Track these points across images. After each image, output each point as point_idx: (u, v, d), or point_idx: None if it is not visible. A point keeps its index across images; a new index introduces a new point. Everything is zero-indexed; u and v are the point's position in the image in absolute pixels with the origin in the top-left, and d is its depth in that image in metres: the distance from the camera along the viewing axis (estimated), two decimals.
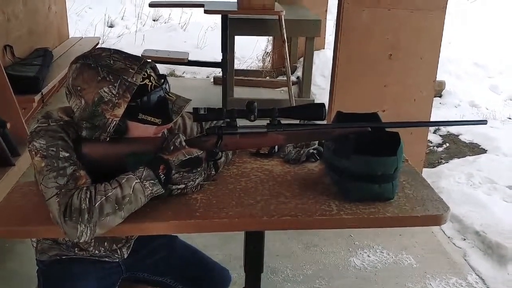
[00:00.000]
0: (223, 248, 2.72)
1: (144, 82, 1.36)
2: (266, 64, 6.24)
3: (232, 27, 4.57)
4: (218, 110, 1.44)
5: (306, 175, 1.63)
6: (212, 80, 5.85)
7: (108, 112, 1.33)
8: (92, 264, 1.60)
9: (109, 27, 7.97)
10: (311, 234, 2.95)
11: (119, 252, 1.63)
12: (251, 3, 4.28)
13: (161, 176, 1.35)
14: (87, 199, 1.27)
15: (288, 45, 4.64)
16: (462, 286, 2.62)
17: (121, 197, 1.30)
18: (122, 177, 1.33)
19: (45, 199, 1.31)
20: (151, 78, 1.39)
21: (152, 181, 1.34)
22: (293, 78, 5.36)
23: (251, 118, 1.44)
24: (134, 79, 1.33)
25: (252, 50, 6.43)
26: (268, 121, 1.47)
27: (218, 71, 5.60)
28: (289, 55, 4.71)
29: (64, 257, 1.58)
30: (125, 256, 1.66)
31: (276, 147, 1.69)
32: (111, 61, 1.35)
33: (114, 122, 1.34)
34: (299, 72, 5.59)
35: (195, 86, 5.70)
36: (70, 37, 5.98)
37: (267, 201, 1.46)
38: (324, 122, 1.53)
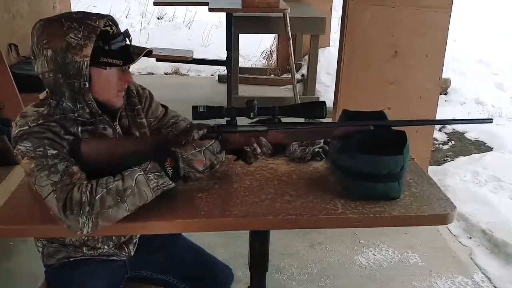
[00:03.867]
0: (228, 246, 2.71)
1: (106, 29, 1.36)
2: (270, 62, 6.23)
3: (236, 25, 4.57)
4: (217, 108, 1.44)
5: (311, 173, 1.62)
6: (216, 78, 5.85)
7: (78, 55, 1.32)
8: (100, 264, 1.60)
9: None
10: (316, 233, 2.95)
11: (126, 249, 1.63)
12: (256, 1, 4.26)
13: (168, 169, 1.33)
14: (87, 192, 1.27)
15: (292, 43, 4.63)
16: (468, 285, 2.60)
17: (122, 189, 1.29)
18: (126, 170, 1.33)
19: (42, 198, 1.31)
20: (112, 26, 1.39)
21: (157, 173, 1.32)
22: (297, 76, 5.35)
23: (250, 116, 1.43)
24: (97, 23, 1.34)
25: (256, 48, 6.42)
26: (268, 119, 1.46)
27: (222, 69, 5.60)
28: (293, 53, 4.69)
29: (72, 259, 1.58)
30: (132, 253, 1.66)
31: None
32: (73, 15, 1.37)
33: (86, 63, 1.33)
34: (304, 70, 5.58)
35: (199, 84, 5.70)
36: None
37: (272, 200, 1.45)
38: (329, 120, 1.52)
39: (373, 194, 1.44)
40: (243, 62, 6.03)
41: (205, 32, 7.15)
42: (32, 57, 1.38)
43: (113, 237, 1.58)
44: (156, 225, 1.38)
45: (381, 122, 1.51)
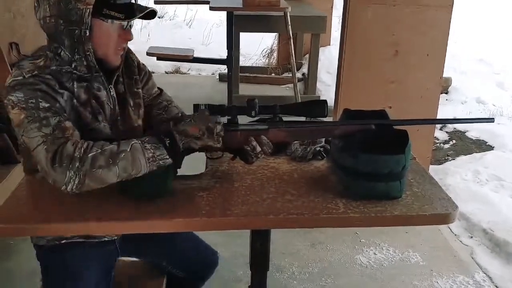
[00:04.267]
0: (229, 245, 2.71)
1: None
2: (271, 60, 6.22)
3: (237, 24, 4.56)
4: (218, 107, 1.43)
5: (312, 173, 1.62)
6: (217, 77, 5.85)
7: (81, 2, 1.32)
8: (92, 248, 1.57)
9: None
10: (317, 232, 2.94)
11: None
12: (257, 0, 4.26)
13: (166, 140, 1.33)
14: (82, 149, 1.26)
15: (293, 42, 4.62)
16: (469, 284, 2.60)
17: (116, 152, 1.28)
18: (121, 141, 1.33)
19: (30, 150, 1.29)
20: None
21: (154, 144, 1.31)
22: (298, 74, 5.35)
23: (251, 115, 1.43)
24: None
25: (257, 47, 6.41)
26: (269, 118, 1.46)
27: (223, 68, 5.60)
28: (294, 52, 4.69)
29: (63, 241, 1.55)
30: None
31: None
32: None
33: (88, 10, 1.33)
34: (304, 69, 5.58)
35: (200, 83, 5.69)
36: None
37: (273, 199, 1.45)
38: (330, 119, 1.52)
39: (375, 194, 1.44)
40: (244, 61, 6.02)
41: (206, 31, 7.14)
42: (36, 4, 1.38)
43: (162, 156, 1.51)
44: (157, 224, 1.37)
45: (382, 121, 1.51)
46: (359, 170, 1.42)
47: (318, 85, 5.28)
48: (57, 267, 1.56)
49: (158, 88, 1.72)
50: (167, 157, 1.33)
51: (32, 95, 1.31)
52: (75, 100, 1.43)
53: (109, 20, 1.38)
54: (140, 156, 1.30)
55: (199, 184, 1.51)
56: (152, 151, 1.31)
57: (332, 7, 5.89)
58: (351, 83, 3.07)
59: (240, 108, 1.43)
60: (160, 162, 1.32)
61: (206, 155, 1.52)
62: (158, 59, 4.86)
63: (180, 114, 1.68)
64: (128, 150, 1.29)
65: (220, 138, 1.39)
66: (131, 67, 1.61)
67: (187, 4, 6.27)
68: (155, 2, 4.89)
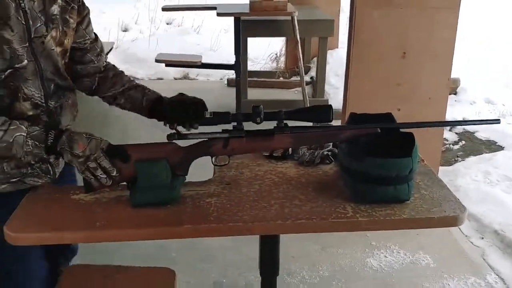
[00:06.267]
0: (238, 249, 2.72)
1: None
2: (279, 64, 6.23)
3: (244, 29, 4.57)
4: (224, 114, 1.44)
5: (320, 177, 1.62)
6: (225, 82, 5.86)
7: None
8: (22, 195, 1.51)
9: (123, 31, 8.02)
10: (327, 235, 2.93)
11: (50, 168, 1.57)
12: (263, 5, 4.27)
13: (50, 139, 1.38)
14: None
15: (301, 45, 4.63)
16: (481, 286, 2.59)
17: None
18: (14, 123, 1.37)
19: None
20: None
21: (37, 142, 1.38)
22: (306, 78, 5.34)
23: (257, 121, 1.43)
24: None
25: (265, 51, 6.43)
26: (275, 124, 1.46)
27: (231, 73, 5.61)
28: (302, 55, 4.70)
29: None
30: (56, 175, 1.61)
31: (290, 149, 1.69)
32: None
33: None
34: (312, 72, 5.58)
35: (208, 89, 5.71)
36: None
37: (281, 205, 1.45)
38: (338, 122, 1.52)
39: (383, 197, 1.44)
40: (251, 65, 6.03)
41: (214, 37, 7.17)
42: None
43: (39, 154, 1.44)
44: (166, 231, 1.39)
45: (388, 124, 1.51)
46: (367, 174, 1.43)
47: (327, 88, 5.27)
48: None
49: (94, 33, 1.69)
50: (44, 155, 1.40)
51: None
52: None
53: None
54: (18, 148, 1.37)
55: (207, 190, 1.52)
56: (31, 147, 1.38)
57: (339, 10, 5.89)
58: (359, 86, 3.07)
59: (246, 115, 1.44)
60: (34, 155, 1.40)
61: (212, 162, 1.53)
62: (167, 65, 4.89)
63: (160, 96, 1.68)
64: (11, 140, 1.35)
65: (87, 171, 1.39)
66: None
67: (195, 10, 6.27)
68: (163, 9, 4.92)
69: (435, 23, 2.95)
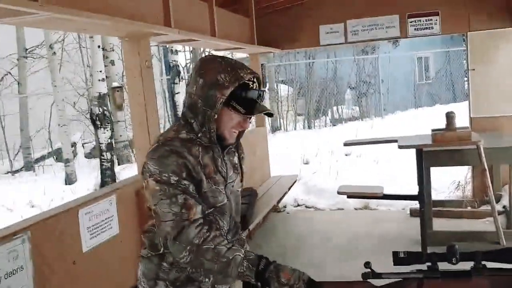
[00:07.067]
0: None
1: (248, 82, 1.67)
2: (465, 193, 5.95)
3: (427, 159, 4.54)
4: (417, 254, 1.45)
5: None
6: (408, 212, 5.75)
7: (219, 92, 1.64)
8: None
9: (304, 164, 8.48)
10: None
11: None
12: (446, 137, 4.26)
13: (261, 266, 1.53)
14: (202, 238, 1.57)
15: (489, 173, 4.42)
16: None
17: (222, 255, 1.55)
18: (235, 245, 1.62)
19: (159, 218, 1.60)
20: (255, 84, 1.70)
21: (251, 265, 1.53)
22: (498, 207, 5.01)
23: (453, 262, 1.41)
24: (244, 75, 1.67)
25: (448, 179, 6.23)
26: (472, 265, 1.42)
27: (414, 203, 5.50)
28: (491, 183, 4.46)
29: None
30: None
31: None
32: (233, 61, 1.71)
33: (221, 99, 1.64)
34: (504, 201, 5.21)
35: (390, 219, 5.64)
36: (271, 176, 6.49)
37: None
38: None
39: None
40: (435, 195, 5.85)
41: (393, 166, 7.19)
42: (189, 80, 1.73)
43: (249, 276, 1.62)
44: None
45: None
46: None
47: None
48: None
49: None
50: (253, 279, 1.53)
51: (165, 169, 1.60)
52: (199, 166, 1.68)
53: (233, 111, 1.67)
54: (234, 267, 1.54)
55: None
56: (244, 269, 1.53)
57: None
58: None
59: (440, 255, 1.43)
60: (245, 278, 1.55)
61: None
62: (349, 197, 5.00)
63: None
64: (231, 258, 1.55)
65: None
66: (240, 146, 1.93)
67: (376, 144, 6.44)
68: (345, 145, 5.15)
69: None
